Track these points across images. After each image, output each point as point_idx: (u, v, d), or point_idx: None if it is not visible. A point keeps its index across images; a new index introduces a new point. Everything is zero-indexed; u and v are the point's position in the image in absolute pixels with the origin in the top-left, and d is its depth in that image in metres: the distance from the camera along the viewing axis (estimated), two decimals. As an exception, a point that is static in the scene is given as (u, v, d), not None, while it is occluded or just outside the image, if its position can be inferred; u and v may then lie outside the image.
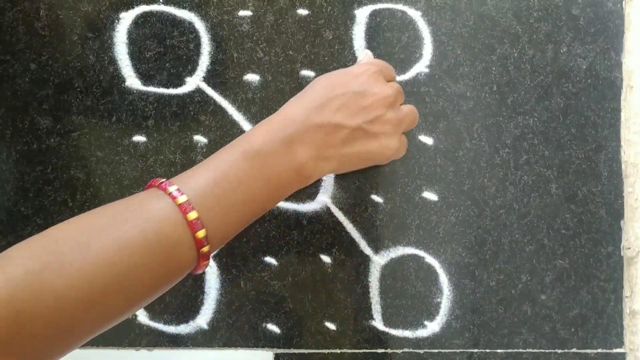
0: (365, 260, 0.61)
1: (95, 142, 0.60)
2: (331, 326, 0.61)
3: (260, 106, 0.61)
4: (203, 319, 0.60)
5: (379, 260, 0.61)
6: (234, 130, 0.61)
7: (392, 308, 0.61)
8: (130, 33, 0.61)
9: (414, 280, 0.61)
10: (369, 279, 0.61)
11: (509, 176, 0.62)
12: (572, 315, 0.62)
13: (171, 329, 0.60)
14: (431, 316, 0.61)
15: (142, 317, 0.60)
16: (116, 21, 0.61)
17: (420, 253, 0.61)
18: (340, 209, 0.61)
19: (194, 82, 0.61)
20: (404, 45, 0.62)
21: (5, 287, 0.35)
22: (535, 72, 0.63)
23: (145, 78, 0.61)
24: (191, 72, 0.61)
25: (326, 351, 0.60)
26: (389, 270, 0.61)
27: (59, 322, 0.37)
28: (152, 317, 0.60)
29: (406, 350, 0.61)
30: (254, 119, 0.61)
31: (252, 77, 0.61)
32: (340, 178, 0.61)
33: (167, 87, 0.61)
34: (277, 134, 0.49)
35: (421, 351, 0.61)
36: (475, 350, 0.61)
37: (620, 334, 0.62)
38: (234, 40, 0.61)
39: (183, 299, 0.60)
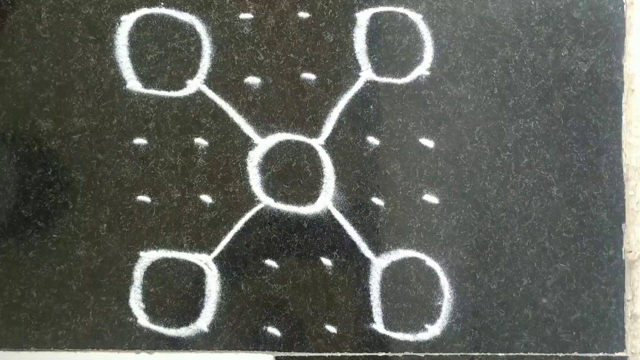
0: (366, 263, 0.61)
1: (96, 144, 0.60)
2: (332, 329, 0.60)
3: (261, 109, 0.61)
4: (203, 322, 0.60)
5: (379, 263, 0.61)
6: (235, 133, 0.61)
7: (392, 311, 0.61)
8: (131, 36, 0.61)
9: (415, 283, 0.61)
10: (370, 282, 0.61)
11: (510, 179, 0.62)
12: (574, 319, 0.62)
13: (171, 331, 0.60)
14: (432, 319, 0.61)
15: (143, 319, 0.60)
16: (117, 24, 0.61)
17: (421, 256, 0.61)
18: (341, 211, 0.61)
19: (195, 84, 0.61)
20: (405, 48, 0.62)
21: None
22: (536, 75, 0.63)
23: (146, 81, 0.61)
24: (192, 74, 0.61)
25: (327, 354, 0.60)
26: (389, 273, 0.61)
27: None
28: (153, 320, 0.60)
29: (407, 353, 0.60)
30: (255, 121, 0.61)
31: (253, 80, 0.61)
32: (341, 180, 0.61)
33: (168, 90, 0.61)
34: None
35: (422, 354, 0.60)
36: (477, 354, 0.61)
37: (622, 338, 0.62)
38: (235, 42, 0.61)
39: (183, 302, 0.60)
